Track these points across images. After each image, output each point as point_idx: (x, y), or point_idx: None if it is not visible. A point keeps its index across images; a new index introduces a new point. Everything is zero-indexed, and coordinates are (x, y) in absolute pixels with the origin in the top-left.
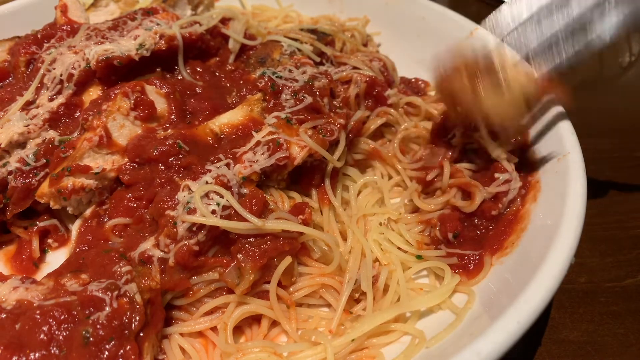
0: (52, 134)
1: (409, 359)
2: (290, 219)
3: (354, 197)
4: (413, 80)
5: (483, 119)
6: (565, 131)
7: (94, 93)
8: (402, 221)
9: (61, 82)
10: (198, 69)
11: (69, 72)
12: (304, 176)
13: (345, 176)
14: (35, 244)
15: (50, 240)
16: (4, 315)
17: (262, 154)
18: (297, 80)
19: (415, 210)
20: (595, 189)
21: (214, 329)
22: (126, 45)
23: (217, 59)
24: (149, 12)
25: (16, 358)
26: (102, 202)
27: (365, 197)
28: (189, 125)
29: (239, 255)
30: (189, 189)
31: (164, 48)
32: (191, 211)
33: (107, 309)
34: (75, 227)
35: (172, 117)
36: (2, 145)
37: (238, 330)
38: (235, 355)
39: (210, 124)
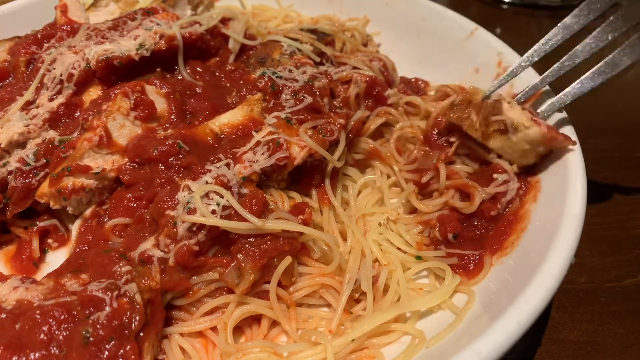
0: (52, 134)
1: (409, 359)
2: (290, 219)
3: (354, 197)
4: (413, 80)
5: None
6: (565, 131)
7: (94, 93)
8: (401, 222)
9: (61, 82)
10: (198, 69)
11: (69, 72)
12: (304, 176)
13: (345, 176)
14: (35, 244)
15: (50, 240)
16: (4, 315)
17: (262, 154)
18: (297, 80)
19: (414, 210)
20: (595, 189)
21: (214, 329)
22: (126, 45)
23: (217, 59)
24: (149, 12)
25: (16, 358)
26: (102, 202)
27: (365, 197)
28: (189, 125)
29: (239, 255)
30: (189, 189)
31: (164, 48)
32: (191, 211)
33: (107, 309)
34: (75, 227)
35: (172, 117)
36: (2, 145)
37: (238, 330)
38: (235, 355)
39: (210, 124)
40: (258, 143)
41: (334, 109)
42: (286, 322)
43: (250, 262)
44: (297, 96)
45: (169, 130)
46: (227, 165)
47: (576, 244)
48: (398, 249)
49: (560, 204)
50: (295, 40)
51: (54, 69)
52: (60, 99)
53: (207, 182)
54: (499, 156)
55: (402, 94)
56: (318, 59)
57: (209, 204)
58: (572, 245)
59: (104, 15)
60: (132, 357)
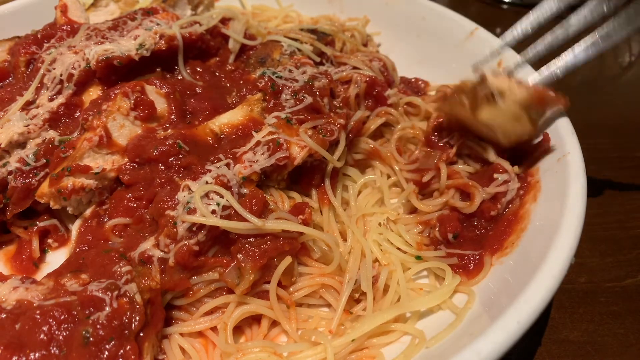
0: (52, 134)
1: (409, 359)
2: (290, 219)
3: (354, 197)
4: (413, 80)
5: (488, 134)
6: (565, 131)
7: (94, 93)
8: (401, 222)
9: (61, 82)
10: (198, 69)
11: (69, 72)
12: (304, 176)
13: (345, 176)
14: (35, 244)
15: (50, 240)
16: (4, 315)
17: (262, 154)
18: (297, 80)
19: (414, 210)
20: (595, 189)
21: (214, 329)
22: (126, 45)
23: (217, 59)
24: (149, 12)
25: (16, 358)
26: (102, 202)
27: (365, 197)
28: (189, 125)
29: (239, 255)
30: (189, 189)
31: (164, 48)
32: (191, 211)
33: (107, 309)
34: (75, 227)
35: (172, 117)
36: (2, 145)
37: (238, 330)
38: (235, 355)
39: (210, 124)
40: (258, 143)
41: (334, 109)
42: (286, 322)
43: (250, 262)
44: (297, 96)
45: (169, 130)
46: (227, 165)
47: (576, 244)
48: (398, 249)
49: (560, 204)
50: (295, 40)
51: (54, 69)
52: (60, 99)
53: (207, 182)
54: (498, 152)
55: (402, 94)
56: (318, 59)
57: (209, 204)
58: (572, 245)
59: (104, 15)
60: (132, 357)
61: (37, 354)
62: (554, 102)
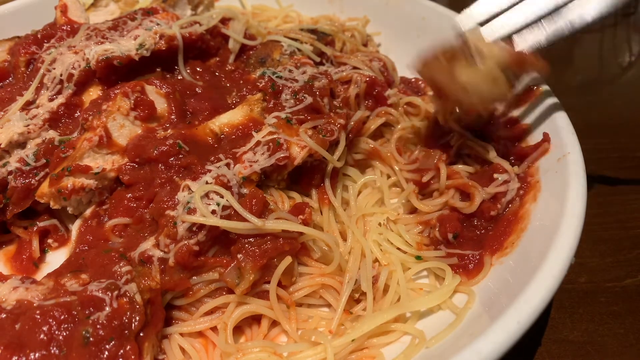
0: (52, 134)
1: (409, 359)
2: (290, 219)
3: (354, 197)
4: (413, 80)
5: (465, 97)
6: (565, 131)
7: (94, 93)
8: (401, 222)
9: (61, 82)
10: (198, 69)
11: (69, 72)
12: (304, 176)
13: (345, 176)
14: (35, 244)
15: (50, 240)
16: (4, 315)
17: (262, 154)
18: (297, 80)
19: (414, 210)
20: (595, 189)
21: (214, 329)
22: (126, 45)
23: (217, 59)
24: (149, 12)
25: (16, 358)
26: (102, 202)
27: (365, 197)
28: (189, 125)
29: (239, 255)
30: (189, 189)
31: (164, 48)
32: (191, 211)
33: (107, 309)
34: (75, 227)
35: (172, 117)
36: (2, 145)
37: (238, 330)
38: (235, 355)
39: (210, 124)
40: (258, 143)
41: (334, 109)
42: (286, 322)
43: (250, 262)
44: (297, 96)
45: (169, 130)
46: (227, 165)
47: (576, 244)
48: (398, 249)
49: (560, 204)
50: (295, 40)
51: (54, 69)
52: (60, 99)
53: (207, 182)
54: (499, 154)
55: (402, 94)
56: (318, 59)
57: (209, 204)
58: (572, 245)
59: (104, 15)
60: (132, 357)
61: (37, 354)
62: (533, 65)
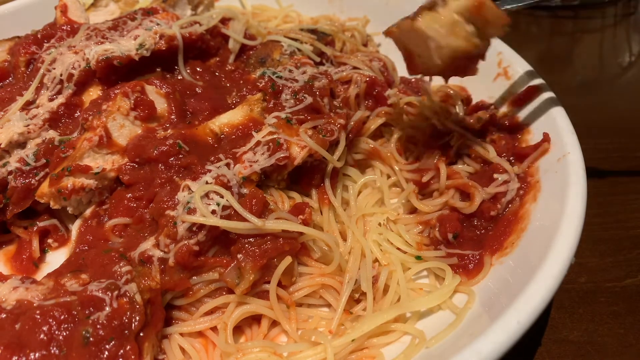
0: (52, 134)
1: (409, 359)
2: (290, 219)
3: (354, 197)
4: (413, 80)
5: (424, 49)
6: (565, 131)
7: (94, 93)
8: (401, 222)
9: (61, 82)
10: (198, 69)
11: (69, 72)
12: (304, 176)
13: (345, 176)
14: (35, 244)
15: (50, 240)
16: (4, 315)
17: (262, 154)
18: (297, 80)
19: (414, 210)
20: (595, 189)
21: (214, 329)
22: (126, 45)
23: (217, 59)
24: (149, 12)
25: (16, 358)
26: (102, 202)
27: (365, 197)
28: (189, 125)
29: (239, 255)
30: (189, 189)
31: (164, 48)
32: (191, 211)
33: (107, 309)
34: (75, 227)
35: (172, 117)
36: (2, 145)
37: (238, 330)
38: (235, 355)
39: (210, 124)
40: (258, 143)
41: (334, 109)
42: (286, 322)
43: (250, 262)
44: (297, 96)
45: (169, 130)
46: (227, 165)
47: (576, 244)
48: (398, 249)
49: (560, 204)
50: (295, 40)
51: (54, 69)
52: (60, 99)
53: (207, 182)
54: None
55: (402, 94)
56: (318, 59)
57: (209, 204)
58: (572, 245)
59: (104, 15)
60: (132, 357)
61: (37, 354)
62: (495, 15)
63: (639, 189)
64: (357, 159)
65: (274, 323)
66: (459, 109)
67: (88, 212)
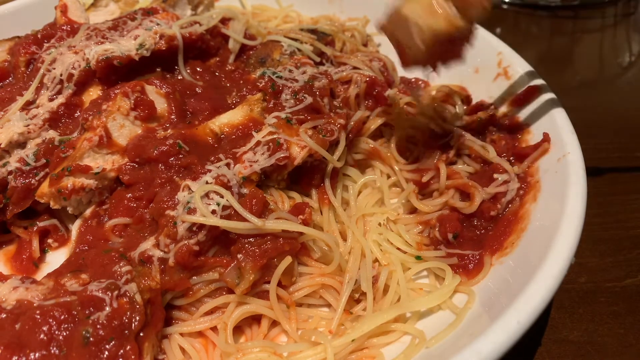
0: (52, 134)
1: (409, 359)
2: (290, 219)
3: (354, 197)
4: (413, 80)
5: (408, 36)
6: (565, 131)
7: (94, 93)
8: (401, 222)
9: (61, 82)
10: (198, 69)
11: (69, 72)
12: (304, 176)
13: (345, 176)
14: (35, 244)
15: (50, 240)
16: (4, 315)
17: (262, 154)
18: (297, 80)
19: (414, 210)
20: (595, 189)
21: (214, 328)
22: (126, 45)
23: (217, 59)
24: (149, 12)
25: (16, 358)
26: (102, 202)
27: (365, 197)
28: (189, 125)
29: (239, 255)
30: (189, 189)
31: (164, 48)
32: (191, 211)
33: (107, 309)
34: (75, 227)
35: (172, 117)
36: (2, 145)
37: (238, 330)
38: (235, 355)
39: (210, 124)
40: (258, 143)
41: (334, 109)
42: (286, 322)
43: (250, 262)
44: (297, 96)
45: (169, 130)
46: (227, 165)
47: (576, 244)
48: (398, 249)
49: (560, 204)
50: (295, 40)
51: (54, 69)
52: (60, 99)
53: (207, 182)
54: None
55: (402, 94)
56: (318, 59)
57: (209, 204)
58: (572, 245)
59: (104, 15)
60: (132, 357)
61: (37, 354)
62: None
63: (639, 189)
64: (357, 159)
65: (274, 323)
66: (459, 109)
67: (88, 212)
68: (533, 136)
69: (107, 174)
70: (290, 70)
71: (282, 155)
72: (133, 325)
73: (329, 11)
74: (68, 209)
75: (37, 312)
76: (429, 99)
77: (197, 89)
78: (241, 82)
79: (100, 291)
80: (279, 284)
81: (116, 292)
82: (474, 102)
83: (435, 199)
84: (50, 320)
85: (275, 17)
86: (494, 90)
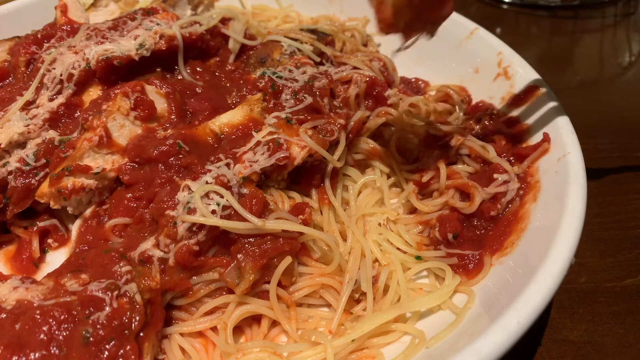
0: (52, 134)
1: (409, 359)
2: (290, 219)
3: (354, 197)
4: (413, 80)
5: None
6: (565, 131)
7: (94, 93)
8: (401, 222)
9: (61, 82)
10: (198, 69)
11: (69, 72)
12: (304, 176)
13: (345, 176)
14: (35, 244)
15: (50, 240)
16: (4, 315)
17: (262, 154)
18: (297, 80)
19: (414, 210)
20: (595, 189)
21: (214, 329)
22: (126, 45)
23: (217, 59)
24: (149, 12)
25: (16, 358)
26: (102, 202)
27: (365, 197)
28: (189, 125)
29: (239, 255)
30: (189, 189)
31: (164, 48)
32: (191, 211)
33: (107, 309)
34: (75, 227)
35: (172, 117)
36: (2, 145)
37: (238, 330)
38: (235, 355)
39: (210, 124)
40: (258, 143)
41: (334, 109)
42: (286, 322)
43: (250, 262)
44: (297, 96)
45: (169, 130)
46: (227, 165)
47: (576, 244)
48: (398, 249)
49: (560, 204)
50: (295, 40)
51: (54, 69)
52: (60, 99)
53: (207, 182)
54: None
55: (402, 94)
56: (318, 59)
57: (209, 204)
58: (572, 245)
59: (104, 15)
60: (132, 357)
61: (37, 354)
62: None
63: (639, 189)
64: (357, 159)
65: (274, 323)
66: (459, 109)
67: (88, 212)
68: (533, 136)
69: (107, 174)
70: (290, 70)
71: (282, 155)
72: (133, 325)
73: (329, 11)
74: (68, 209)
75: (37, 312)
76: (428, 112)
77: (197, 89)
78: (241, 82)
79: (100, 291)
80: (279, 284)
81: (116, 292)
82: (474, 102)
83: (435, 199)
84: (50, 320)
85: (275, 17)
86: (494, 90)
